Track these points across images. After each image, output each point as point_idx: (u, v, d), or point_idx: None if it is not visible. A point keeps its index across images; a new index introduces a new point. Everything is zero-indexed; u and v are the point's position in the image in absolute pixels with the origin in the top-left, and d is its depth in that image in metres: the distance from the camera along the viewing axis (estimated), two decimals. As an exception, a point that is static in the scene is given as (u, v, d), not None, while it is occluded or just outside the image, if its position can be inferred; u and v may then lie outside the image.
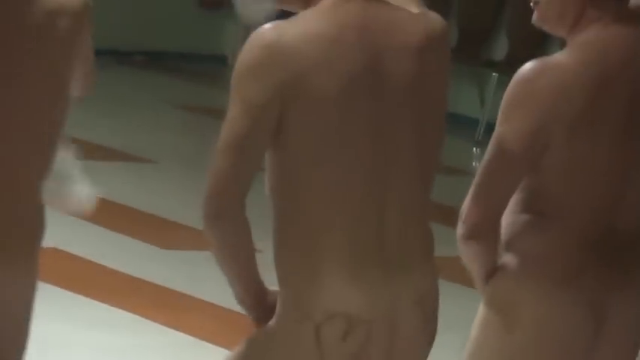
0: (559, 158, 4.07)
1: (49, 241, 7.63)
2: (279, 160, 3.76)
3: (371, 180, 3.81)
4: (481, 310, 4.25)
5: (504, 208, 4.18)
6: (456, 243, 10.00)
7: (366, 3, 3.82)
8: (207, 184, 3.74)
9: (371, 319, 3.76)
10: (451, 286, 8.22)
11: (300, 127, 3.73)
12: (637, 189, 4.20)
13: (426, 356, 4.00)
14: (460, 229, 4.19)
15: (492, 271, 4.25)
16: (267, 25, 3.78)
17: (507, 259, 4.21)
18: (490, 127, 13.11)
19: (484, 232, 4.20)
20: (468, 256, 4.27)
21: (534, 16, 4.09)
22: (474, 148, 12.55)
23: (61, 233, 8.17)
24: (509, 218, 4.17)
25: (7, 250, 3.76)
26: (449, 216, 9.90)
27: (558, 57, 4.04)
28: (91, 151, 10.54)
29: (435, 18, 3.93)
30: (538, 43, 12.21)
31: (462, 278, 8.36)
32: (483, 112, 12.48)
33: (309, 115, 3.74)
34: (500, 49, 12.74)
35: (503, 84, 12.76)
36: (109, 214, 9.12)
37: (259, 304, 3.87)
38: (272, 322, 3.84)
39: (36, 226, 3.88)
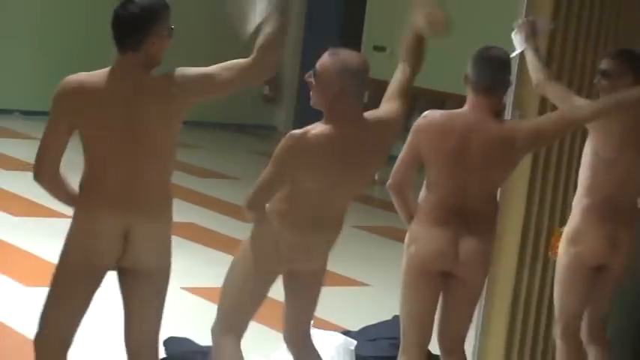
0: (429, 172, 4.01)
1: (189, 219, 7.79)
2: (289, 183, 3.67)
3: (327, 194, 3.72)
4: (406, 237, 4.13)
5: (407, 180, 4.05)
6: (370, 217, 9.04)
7: (350, 126, 3.66)
8: (253, 194, 3.64)
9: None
10: (382, 238, 8.55)
11: (299, 177, 3.64)
12: (474, 187, 3.98)
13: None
14: (388, 184, 4.07)
15: (411, 216, 4.09)
16: (298, 130, 3.64)
17: (417, 212, 4.08)
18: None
19: (396, 189, 4.06)
20: (395, 203, 4.13)
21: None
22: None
23: (195, 214, 8.39)
24: (422, 190, 4.09)
25: (163, 212, 3.53)
26: (367, 200, 9.62)
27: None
28: (202, 173, 10.54)
29: (384, 129, 3.76)
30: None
31: (393, 235, 8.11)
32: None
33: (301, 174, 3.63)
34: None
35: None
36: (214, 205, 8.98)
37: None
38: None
39: (169, 197, 3.54)
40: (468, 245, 4.01)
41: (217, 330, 3.87)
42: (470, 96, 4.00)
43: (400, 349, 4.18)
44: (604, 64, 4.42)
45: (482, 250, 4.04)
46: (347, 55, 3.65)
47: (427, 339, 4.17)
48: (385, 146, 3.81)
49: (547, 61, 4.60)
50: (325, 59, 3.65)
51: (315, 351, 4.04)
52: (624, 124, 4.35)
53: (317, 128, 3.65)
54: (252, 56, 3.50)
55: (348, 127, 3.67)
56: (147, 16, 3.39)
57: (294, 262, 3.81)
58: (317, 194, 3.72)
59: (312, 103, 3.70)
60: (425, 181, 4.10)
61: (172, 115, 3.48)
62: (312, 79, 3.66)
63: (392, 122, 3.82)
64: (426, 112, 3.94)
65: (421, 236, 4.06)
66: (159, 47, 3.44)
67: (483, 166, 3.98)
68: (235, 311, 3.85)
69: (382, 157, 3.84)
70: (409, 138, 4.04)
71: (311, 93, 3.69)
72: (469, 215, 4.03)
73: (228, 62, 3.49)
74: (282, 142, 3.64)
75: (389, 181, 4.09)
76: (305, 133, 3.62)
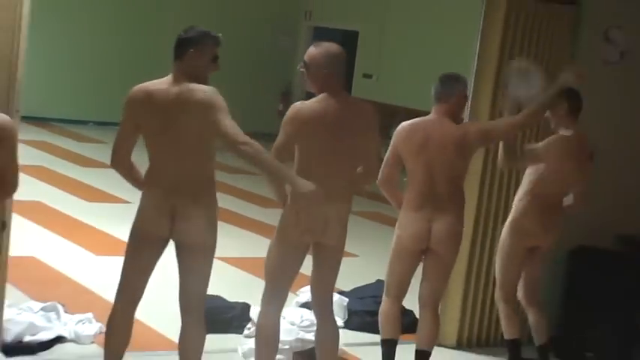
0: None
1: (219, 204, 7.52)
2: (298, 153, 3.55)
3: (328, 161, 3.55)
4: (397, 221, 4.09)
5: (392, 176, 4.02)
6: (360, 204, 8.64)
7: (336, 98, 3.56)
8: (272, 154, 3.45)
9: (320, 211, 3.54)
10: (368, 220, 8.11)
11: (303, 141, 3.54)
12: (439, 176, 3.97)
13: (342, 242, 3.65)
14: (378, 180, 3.97)
15: (400, 204, 4.08)
16: (298, 103, 3.55)
17: (403, 202, 4.06)
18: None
19: (385, 184, 4.06)
20: (386, 195, 4.10)
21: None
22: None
23: (223, 201, 8.14)
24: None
25: (203, 198, 3.42)
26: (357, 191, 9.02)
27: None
28: (230, 170, 10.08)
29: (362, 104, 3.64)
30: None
31: (378, 219, 8.18)
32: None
33: (304, 138, 3.53)
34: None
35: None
36: (237, 194, 8.76)
37: (284, 198, 3.58)
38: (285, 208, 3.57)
39: (210, 186, 3.45)
40: (439, 226, 3.99)
41: (263, 301, 3.69)
42: (433, 107, 4.06)
43: (383, 298, 4.17)
44: None
45: (452, 230, 4.00)
46: (327, 45, 3.57)
47: (403, 294, 4.18)
48: (365, 124, 3.60)
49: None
50: (311, 50, 3.57)
51: (335, 324, 3.75)
52: (556, 146, 4.39)
53: (312, 101, 3.58)
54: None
55: (336, 100, 3.56)
56: (193, 34, 3.42)
57: (313, 232, 3.57)
58: (321, 162, 3.55)
59: (306, 88, 3.59)
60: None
61: (201, 122, 3.34)
62: (303, 69, 3.58)
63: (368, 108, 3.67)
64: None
65: (404, 222, 4.05)
66: (198, 62, 3.39)
67: (442, 158, 3.96)
68: (271, 284, 3.65)
69: (365, 134, 3.61)
70: (391, 142, 4.04)
71: (305, 79, 3.58)
72: (439, 201, 3.98)
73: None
74: (287, 113, 3.57)
75: (378, 177, 3.98)
76: (302, 103, 3.57)
